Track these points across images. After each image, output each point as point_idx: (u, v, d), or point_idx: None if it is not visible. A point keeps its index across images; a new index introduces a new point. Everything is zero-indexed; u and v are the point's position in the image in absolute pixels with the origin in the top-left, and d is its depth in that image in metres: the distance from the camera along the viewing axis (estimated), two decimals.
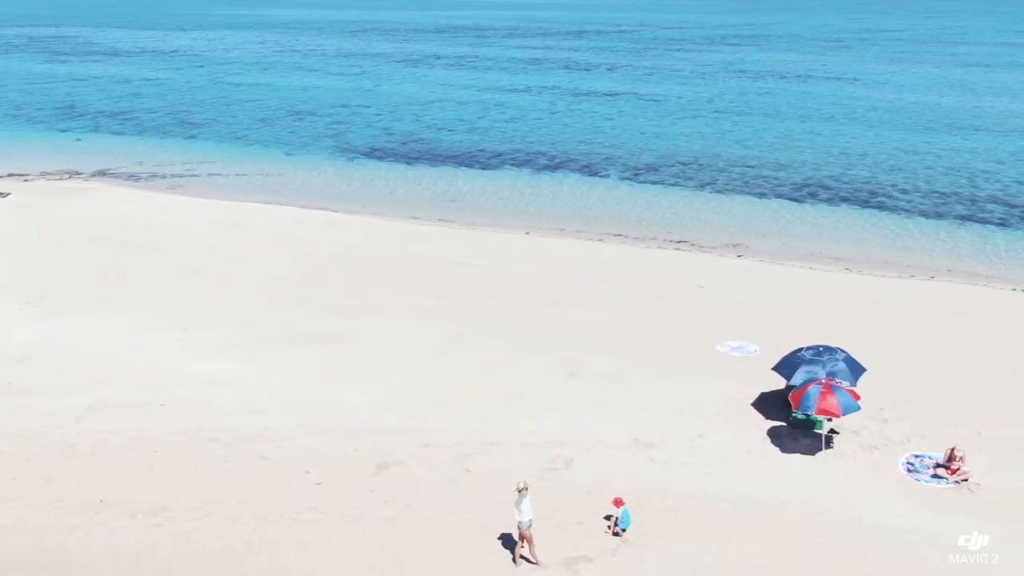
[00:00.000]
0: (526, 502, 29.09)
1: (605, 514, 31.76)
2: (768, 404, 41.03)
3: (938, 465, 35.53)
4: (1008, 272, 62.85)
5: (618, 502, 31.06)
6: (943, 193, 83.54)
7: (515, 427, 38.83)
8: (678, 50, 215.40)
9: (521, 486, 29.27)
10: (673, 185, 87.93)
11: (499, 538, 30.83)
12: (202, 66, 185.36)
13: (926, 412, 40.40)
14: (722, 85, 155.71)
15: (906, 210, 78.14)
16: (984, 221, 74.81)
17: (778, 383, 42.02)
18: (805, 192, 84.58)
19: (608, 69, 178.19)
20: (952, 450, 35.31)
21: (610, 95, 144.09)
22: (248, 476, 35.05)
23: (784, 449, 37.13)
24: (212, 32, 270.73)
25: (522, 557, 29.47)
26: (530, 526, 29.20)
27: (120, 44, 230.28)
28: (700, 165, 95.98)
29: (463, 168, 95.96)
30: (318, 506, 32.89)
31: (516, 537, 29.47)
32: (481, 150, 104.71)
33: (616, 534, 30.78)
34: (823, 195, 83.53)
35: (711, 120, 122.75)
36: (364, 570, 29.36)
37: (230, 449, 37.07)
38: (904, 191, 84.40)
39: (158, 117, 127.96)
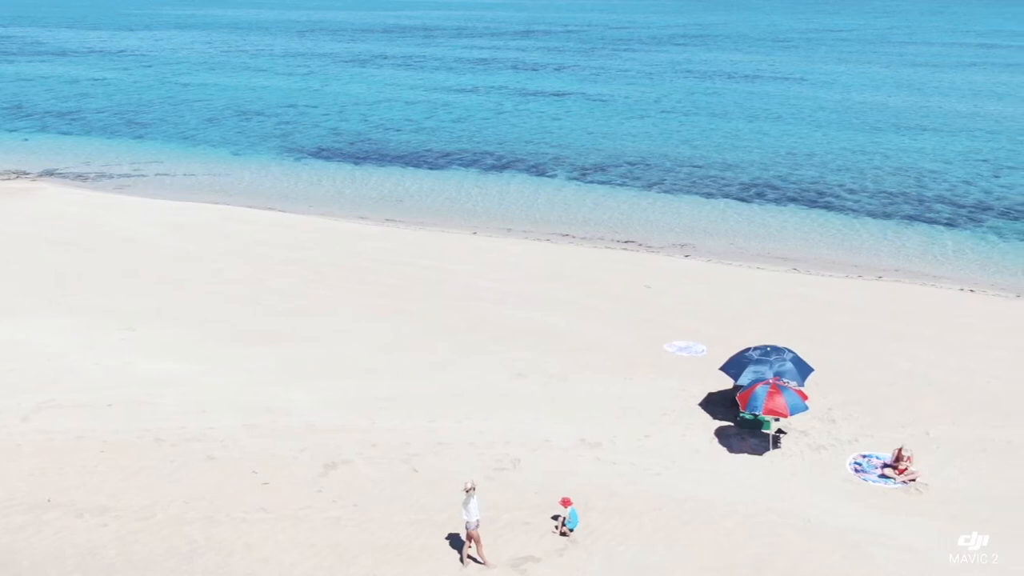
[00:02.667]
0: (473, 502, 28.92)
1: (552, 514, 31.62)
2: (715, 404, 40.96)
3: (885, 465, 35.65)
4: (955, 272, 63.27)
5: (565, 502, 30.97)
6: (890, 193, 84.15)
7: (462, 427, 38.51)
8: (625, 50, 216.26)
9: (469, 486, 29.08)
10: (620, 185, 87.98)
11: (447, 538, 30.61)
12: (149, 66, 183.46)
13: (873, 412, 40.47)
14: (669, 85, 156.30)
15: (853, 210, 78.60)
16: (931, 221, 75.34)
17: (725, 383, 42.06)
18: (752, 192, 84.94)
19: (556, 69, 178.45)
20: (900, 450, 35.36)
21: (557, 95, 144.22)
22: (195, 476, 34.57)
23: (732, 449, 37.07)
24: (160, 32, 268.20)
25: (469, 557, 29.25)
26: (477, 526, 29.02)
27: (68, 44, 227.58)
28: (647, 165, 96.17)
29: (410, 168, 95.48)
30: (265, 506, 32.51)
31: (464, 537, 29.38)
32: (428, 150, 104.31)
33: (563, 534, 30.64)
34: (770, 195, 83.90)
35: (658, 120, 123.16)
36: (311, 570, 28.97)
37: (177, 449, 36.55)
38: (852, 191, 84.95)
39: (106, 117, 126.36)
